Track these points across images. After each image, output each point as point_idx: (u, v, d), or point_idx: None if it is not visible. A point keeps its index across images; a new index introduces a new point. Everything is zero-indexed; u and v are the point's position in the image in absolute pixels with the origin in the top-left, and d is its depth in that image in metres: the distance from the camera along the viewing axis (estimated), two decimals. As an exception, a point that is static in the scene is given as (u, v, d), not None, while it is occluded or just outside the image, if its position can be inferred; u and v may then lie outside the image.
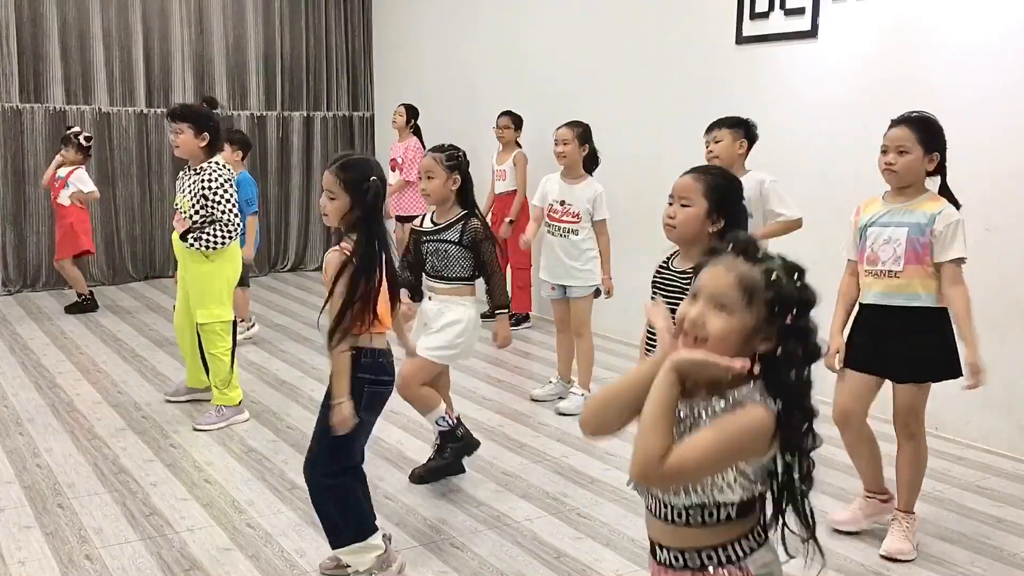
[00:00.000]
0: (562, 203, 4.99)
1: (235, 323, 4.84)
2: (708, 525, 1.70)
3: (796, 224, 4.20)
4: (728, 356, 1.62)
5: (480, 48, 8.08)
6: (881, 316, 3.32)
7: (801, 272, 1.66)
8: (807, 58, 5.27)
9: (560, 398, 5.14)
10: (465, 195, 3.79)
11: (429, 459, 4.03)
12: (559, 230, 4.99)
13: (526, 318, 7.07)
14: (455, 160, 3.74)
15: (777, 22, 5.41)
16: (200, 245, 4.52)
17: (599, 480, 4.07)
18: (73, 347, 6.26)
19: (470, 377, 5.63)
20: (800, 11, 5.26)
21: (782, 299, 1.63)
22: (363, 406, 2.99)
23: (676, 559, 1.75)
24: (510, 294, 6.89)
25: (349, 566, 3.12)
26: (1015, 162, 4.38)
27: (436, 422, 3.89)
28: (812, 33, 5.21)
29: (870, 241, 3.33)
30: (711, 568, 1.72)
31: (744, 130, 4.24)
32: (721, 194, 2.65)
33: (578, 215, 4.95)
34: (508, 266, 6.97)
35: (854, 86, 4.96)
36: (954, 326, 3.27)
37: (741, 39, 5.65)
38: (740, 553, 1.72)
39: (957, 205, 3.32)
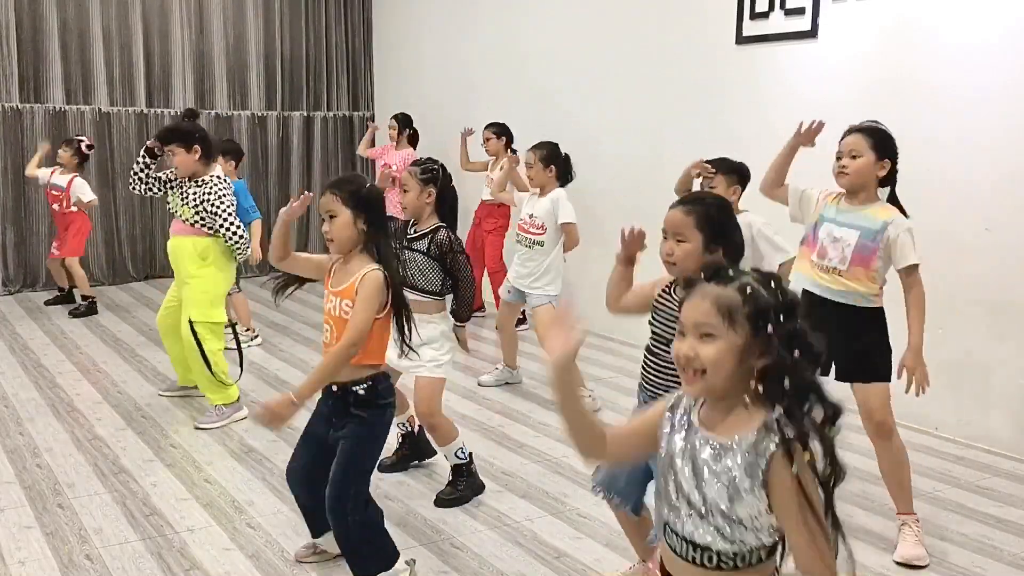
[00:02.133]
0: (531, 216, 5.21)
1: (234, 325, 4.91)
2: (740, 569, 1.69)
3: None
4: (729, 381, 1.65)
5: (480, 48, 8.08)
6: (821, 309, 3.35)
7: (777, 279, 1.68)
8: (807, 58, 5.27)
9: (506, 383, 5.48)
10: (440, 208, 3.83)
11: (446, 493, 3.89)
12: (526, 240, 5.21)
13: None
14: (429, 174, 3.80)
15: (777, 22, 5.41)
16: (239, 248, 4.75)
17: (599, 480, 4.07)
18: (73, 347, 6.26)
19: (470, 377, 5.63)
20: (800, 11, 5.26)
21: (760, 309, 1.63)
22: (386, 431, 3.01)
23: None
24: (488, 298, 7.07)
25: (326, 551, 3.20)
26: (1015, 162, 4.38)
27: (456, 454, 3.86)
28: (812, 33, 5.21)
29: (823, 234, 3.43)
30: None
31: (739, 177, 4.22)
32: (715, 224, 2.63)
33: (542, 227, 5.15)
34: (484, 271, 7.10)
35: (854, 86, 4.96)
36: (908, 325, 3.31)
37: (741, 39, 5.65)
38: None
39: (905, 215, 3.39)
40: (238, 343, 5.03)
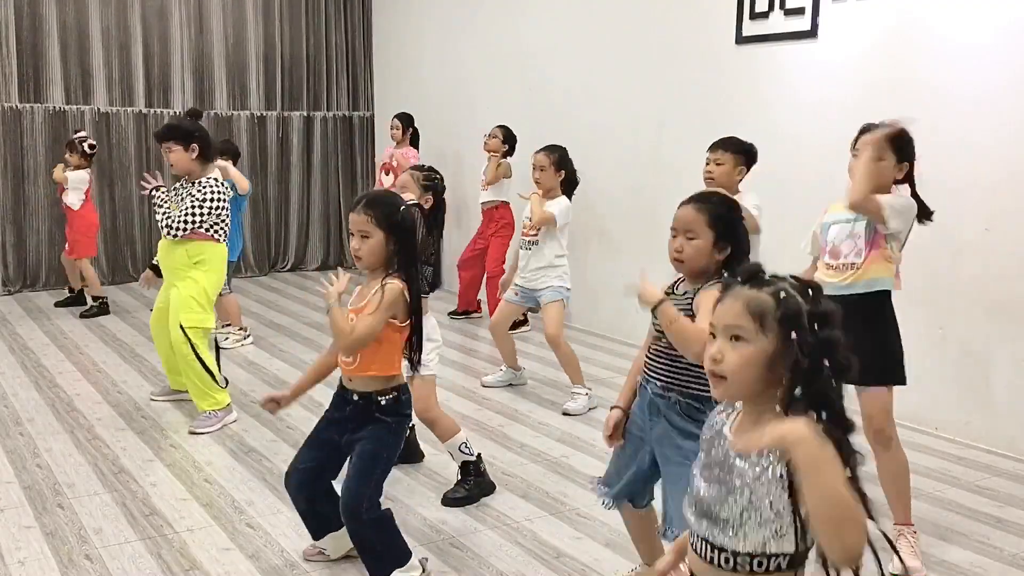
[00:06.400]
0: (528, 219, 5.21)
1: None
2: (756, 573, 1.67)
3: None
4: (753, 387, 1.64)
5: (480, 48, 8.08)
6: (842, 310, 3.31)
7: (815, 289, 1.65)
8: (807, 58, 5.27)
9: (510, 384, 5.50)
10: (433, 220, 3.79)
11: (453, 492, 3.88)
12: (524, 243, 5.24)
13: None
14: (431, 181, 3.78)
15: (777, 22, 5.41)
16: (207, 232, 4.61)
17: (599, 480, 4.06)
18: (73, 347, 6.26)
19: (470, 377, 5.63)
20: (800, 11, 5.26)
21: (792, 315, 1.60)
22: (403, 438, 3.05)
23: None
24: (485, 301, 7.11)
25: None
26: (1015, 162, 4.38)
27: (460, 449, 3.85)
28: (812, 33, 5.21)
29: (831, 236, 3.39)
30: None
31: (746, 157, 4.27)
32: (725, 222, 2.64)
33: (537, 227, 5.17)
34: (484, 275, 7.12)
35: (854, 86, 4.96)
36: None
37: (741, 39, 5.65)
38: None
39: (928, 214, 3.37)
40: (216, 347, 4.95)
